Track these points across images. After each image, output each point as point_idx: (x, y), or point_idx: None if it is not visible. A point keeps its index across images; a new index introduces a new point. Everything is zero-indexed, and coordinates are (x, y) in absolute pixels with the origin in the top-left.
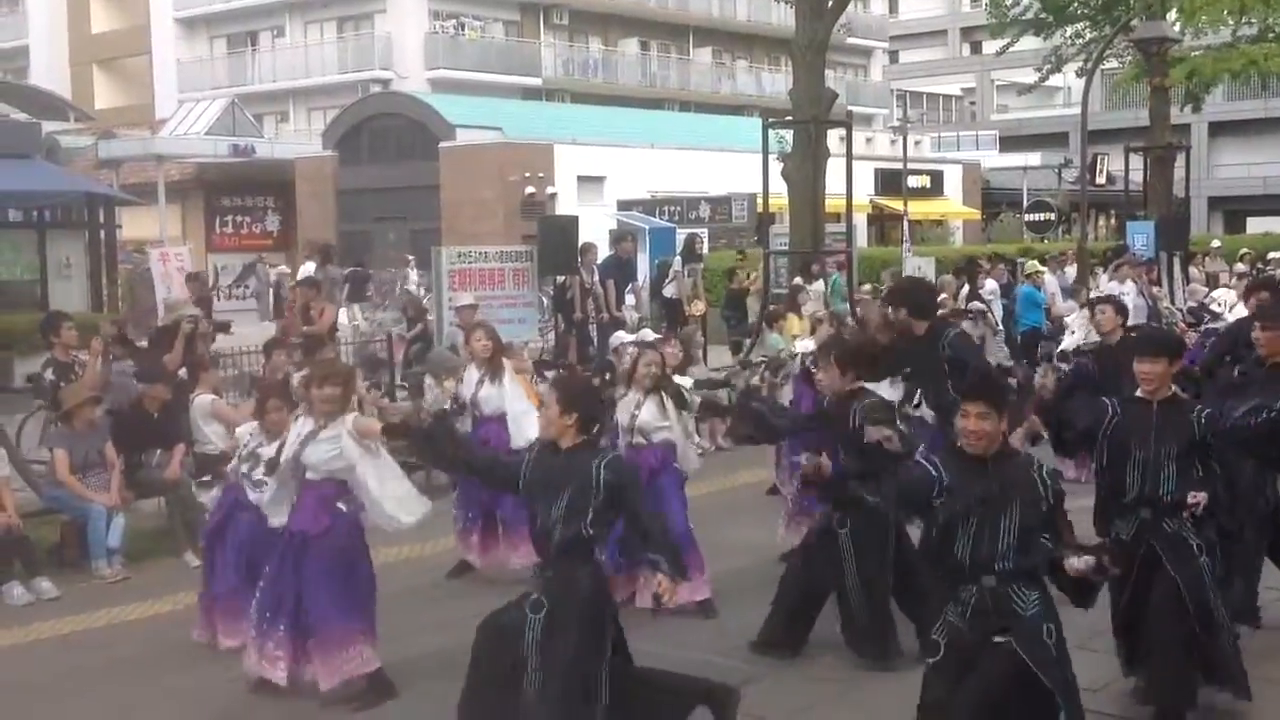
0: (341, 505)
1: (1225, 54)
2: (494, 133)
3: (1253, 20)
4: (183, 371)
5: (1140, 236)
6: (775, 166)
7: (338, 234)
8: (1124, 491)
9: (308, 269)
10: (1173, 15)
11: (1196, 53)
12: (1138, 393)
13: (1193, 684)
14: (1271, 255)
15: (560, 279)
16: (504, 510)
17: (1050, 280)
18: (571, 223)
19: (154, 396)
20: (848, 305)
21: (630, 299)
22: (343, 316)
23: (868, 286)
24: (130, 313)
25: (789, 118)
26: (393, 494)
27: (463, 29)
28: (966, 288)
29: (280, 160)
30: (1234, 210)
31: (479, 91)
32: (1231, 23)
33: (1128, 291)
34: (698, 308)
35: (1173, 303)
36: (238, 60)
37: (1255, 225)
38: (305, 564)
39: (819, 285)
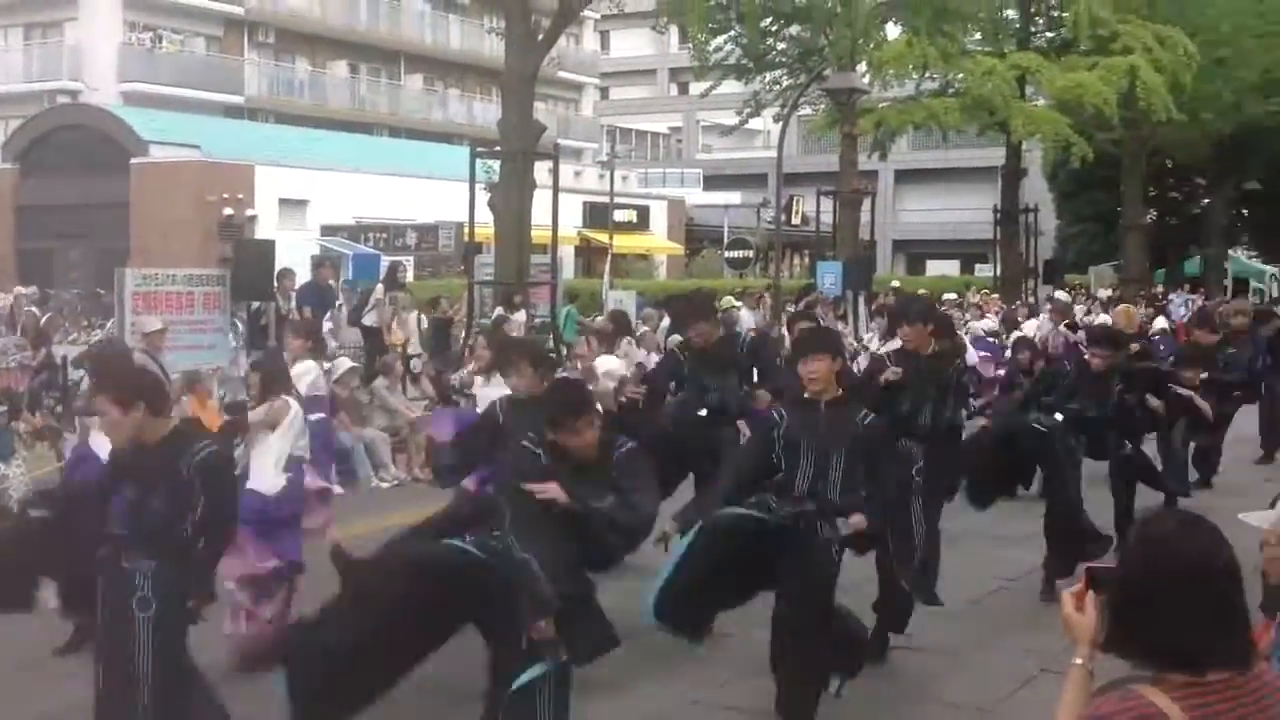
0: None
1: (909, 106)
2: (191, 150)
3: (934, 76)
4: None
5: (829, 275)
6: (483, 196)
7: (15, 252)
8: (793, 490)
9: None
10: (863, 68)
11: (884, 104)
12: (805, 394)
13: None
14: (946, 296)
15: (255, 305)
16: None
17: (747, 316)
18: (269, 247)
19: None
20: (583, 339)
21: (329, 326)
22: None
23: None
24: None
25: (498, 148)
26: None
27: (160, 41)
28: (668, 320)
29: None
30: (916, 253)
31: (177, 107)
32: (915, 77)
33: None
34: (398, 336)
35: (856, 339)
36: None
37: (934, 268)
38: None
39: (520, 315)
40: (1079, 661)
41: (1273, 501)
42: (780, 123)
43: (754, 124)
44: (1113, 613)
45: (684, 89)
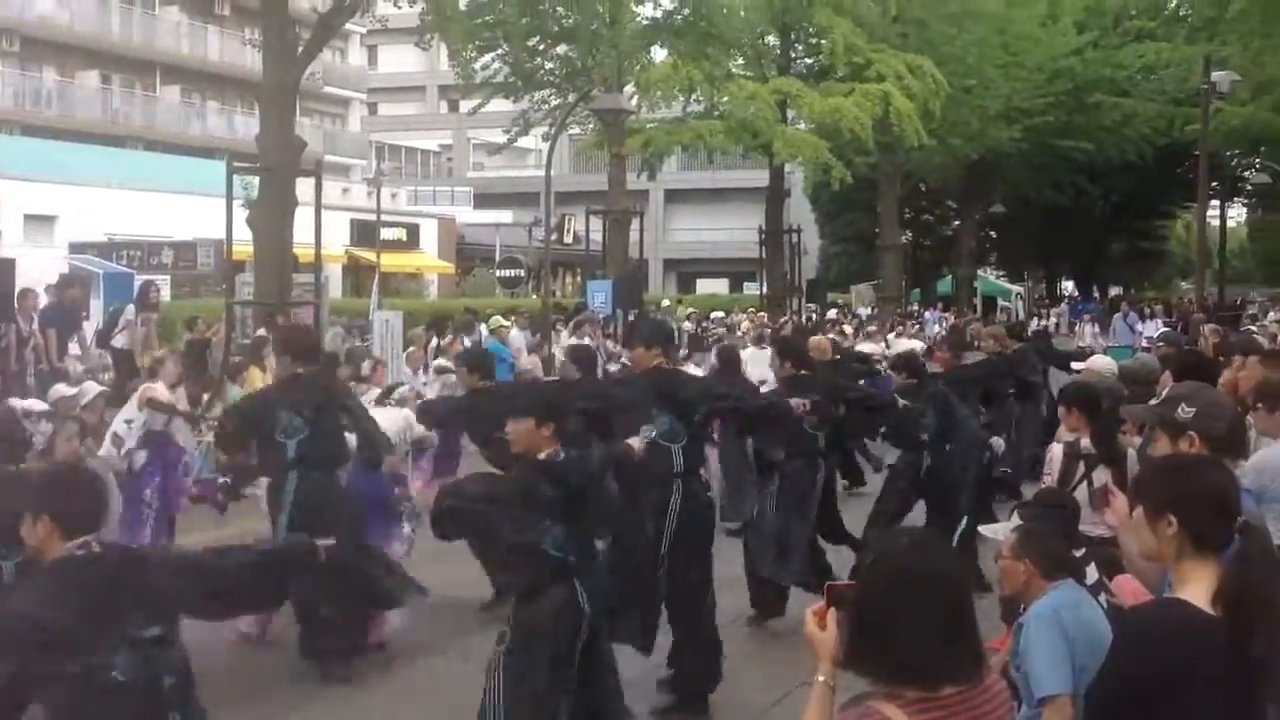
0: None
1: (676, 128)
2: None
3: (700, 99)
4: None
5: (599, 294)
6: (242, 213)
7: None
8: None
9: None
10: (630, 89)
11: (652, 125)
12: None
13: None
14: (714, 314)
15: None
16: None
17: (516, 335)
18: (8, 265)
19: None
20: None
21: (75, 349)
22: None
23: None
24: None
25: (257, 163)
26: None
27: None
28: (436, 341)
29: None
30: (686, 272)
31: None
32: (682, 99)
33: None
34: (150, 359)
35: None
36: None
37: (704, 286)
38: None
39: None
40: (821, 678)
41: (1010, 513)
42: (549, 142)
43: (526, 142)
44: (850, 630)
45: (454, 106)
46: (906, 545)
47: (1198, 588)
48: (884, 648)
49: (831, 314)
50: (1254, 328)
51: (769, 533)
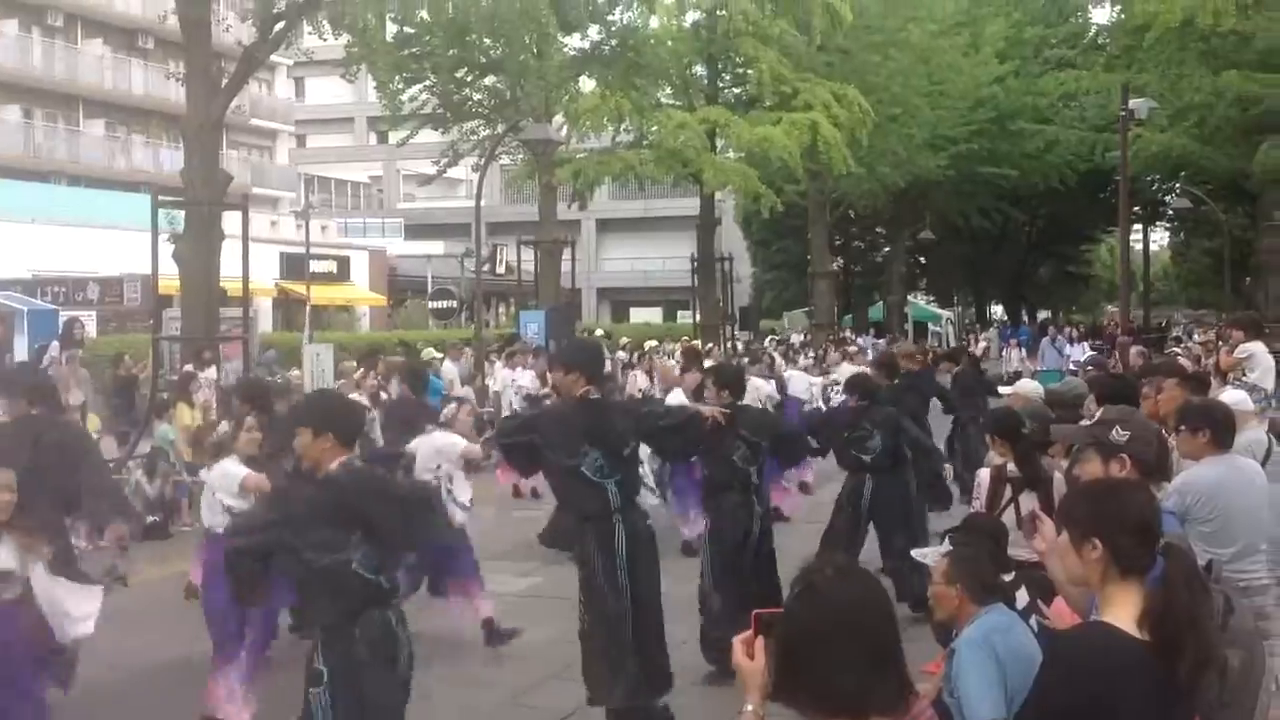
0: None
1: (606, 157)
2: None
3: (630, 129)
4: None
5: (533, 324)
6: (168, 248)
7: None
8: None
9: None
10: (559, 119)
11: (582, 154)
12: None
13: None
14: (648, 344)
15: None
16: None
17: (449, 367)
18: None
19: None
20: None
21: None
22: None
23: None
24: None
25: (184, 197)
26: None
27: None
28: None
29: None
30: (620, 300)
31: None
32: (611, 129)
33: (521, 379)
34: (75, 396)
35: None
36: None
37: (638, 315)
38: None
39: (211, 372)
40: (749, 709)
41: (941, 537)
42: (479, 172)
43: (456, 173)
44: (777, 661)
45: (383, 137)
46: (832, 575)
47: (1123, 611)
48: (810, 679)
49: (769, 342)
50: (1178, 349)
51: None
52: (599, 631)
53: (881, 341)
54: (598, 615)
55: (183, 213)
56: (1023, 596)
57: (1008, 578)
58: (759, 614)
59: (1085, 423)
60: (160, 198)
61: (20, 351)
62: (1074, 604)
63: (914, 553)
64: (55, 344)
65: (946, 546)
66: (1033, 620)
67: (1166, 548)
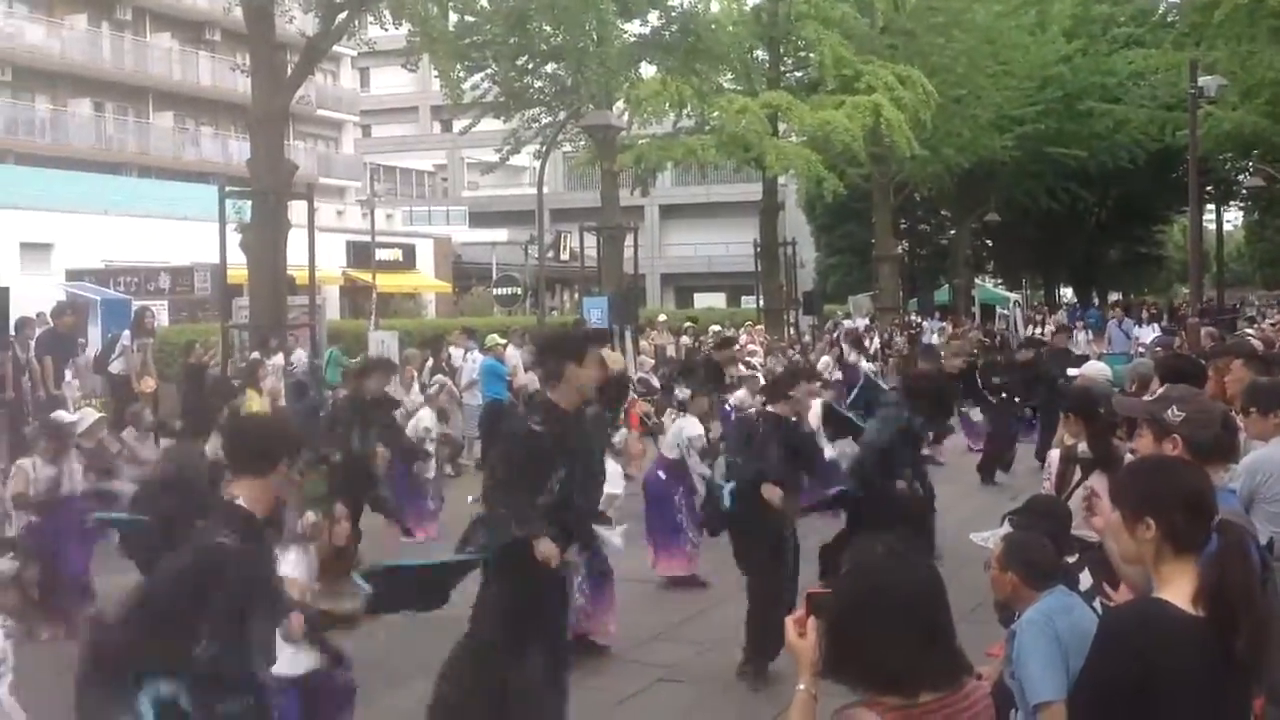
0: None
1: (668, 143)
2: None
3: (691, 114)
4: None
5: (596, 310)
6: (236, 237)
7: None
8: None
9: None
10: (620, 105)
11: (643, 140)
12: None
13: None
14: (713, 328)
15: None
16: None
17: (513, 353)
18: (3, 294)
19: None
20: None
21: (69, 375)
22: None
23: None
24: None
25: (249, 187)
26: None
27: None
28: (432, 360)
29: None
30: (684, 286)
31: None
32: (672, 114)
33: None
34: (147, 384)
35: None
36: None
37: (701, 300)
38: None
39: (278, 359)
40: (802, 687)
41: (1003, 519)
42: (541, 160)
43: (519, 160)
44: (828, 639)
45: (447, 126)
46: (882, 554)
47: (1178, 588)
48: (861, 656)
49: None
50: (1251, 330)
51: None
52: None
53: (945, 324)
54: None
55: (249, 203)
56: (1086, 578)
57: (1071, 559)
58: (811, 593)
59: (1147, 398)
60: (227, 188)
61: (94, 341)
62: (1132, 583)
63: (973, 536)
64: (127, 333)
65: (1006, 529)
66: (1097, 602)
67: (1221, 524)
